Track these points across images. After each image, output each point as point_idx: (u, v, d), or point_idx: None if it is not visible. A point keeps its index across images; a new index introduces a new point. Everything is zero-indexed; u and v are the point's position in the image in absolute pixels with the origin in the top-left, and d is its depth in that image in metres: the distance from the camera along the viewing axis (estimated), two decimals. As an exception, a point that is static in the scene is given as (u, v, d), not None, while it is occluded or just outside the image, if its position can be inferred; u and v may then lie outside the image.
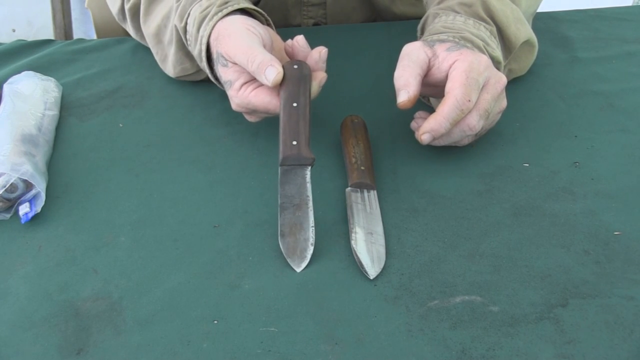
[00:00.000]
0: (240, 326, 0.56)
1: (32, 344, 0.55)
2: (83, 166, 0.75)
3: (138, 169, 0.75)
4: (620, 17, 1.01)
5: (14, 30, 2.49)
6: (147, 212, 0.68)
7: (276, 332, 0.55)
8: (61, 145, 0.79)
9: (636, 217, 0.65)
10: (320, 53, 0.72)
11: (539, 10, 1.03)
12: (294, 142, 0.65)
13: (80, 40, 1.03)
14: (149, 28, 0.86)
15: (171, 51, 0.84)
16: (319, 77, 0.72)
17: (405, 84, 0.68)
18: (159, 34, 0.85)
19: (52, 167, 0.75)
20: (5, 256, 0.64)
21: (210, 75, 0.77)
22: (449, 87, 0.67)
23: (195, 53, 0.77)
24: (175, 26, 0.79)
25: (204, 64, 0.76)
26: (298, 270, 0.60)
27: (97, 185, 0.72)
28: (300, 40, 0.73)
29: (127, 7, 0.88)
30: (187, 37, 0.78)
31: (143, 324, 0.56)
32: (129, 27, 0.92)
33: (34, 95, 0.81)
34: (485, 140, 0.75)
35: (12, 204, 0.68)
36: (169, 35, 0.83)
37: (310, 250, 0.61)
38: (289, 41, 0.74)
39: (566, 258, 0.61)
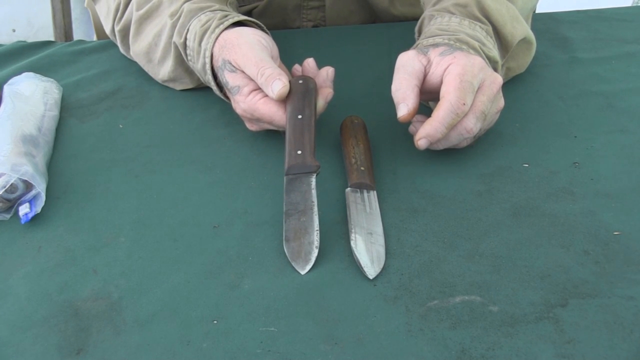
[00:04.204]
0: (240, 326, 0.56)
1: (32, 344, 0.55)
2: (83, 167, 0.75)
3: (138, 170, 0.75)
4: (619, 18, 1.01)
5: (14, 30, 2.50)
6: (147, 212, 0.68)
7: (276, 332, 0.55)
8: (61, 146, 0.79)
9: (636, 217, 0.65)
10: (327, 72, 0.74)
11: (539, 10, 1.04)
12: (299, 152, 0.66)
13: (81, 41, 1.03)
14: (139, 47, 0.86)
15: (167, 68, 0.84)
16: (325, 93, 0.73)
17: (404, 97, 0.68)
18: (149, 53, 0.86)
19: (52, 168, 0.75)
20: (5, 256, 0.64)
21: (214, 87, 0.78)
22: (443, 91, 0.67)
23: (198, 67, 0.78)
24: (174, 42, 0.80)
25: (208, 77, 0.76)
26: (303, 272, 0.60)
27: (97, 186, 0.72)
28: (310, 63, 0.76)
29: (117, 29, 0.89)
30: (188, 52, 0.78)
31: (143, 324, 0.56)
32: (120, 48, 0.93)
33: (34, 96, 0.81)
34: (485, 140, 0.75)
35: (12, 204, 0.68)
36: (160, 53, 0.84)
37: (314, 253, 0.61)
38: (297, 66, 0.77)
39: (566, 258, 0.61)
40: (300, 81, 0.72)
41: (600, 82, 0.86)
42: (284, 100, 0.70)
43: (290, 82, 0.70)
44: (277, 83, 0.68)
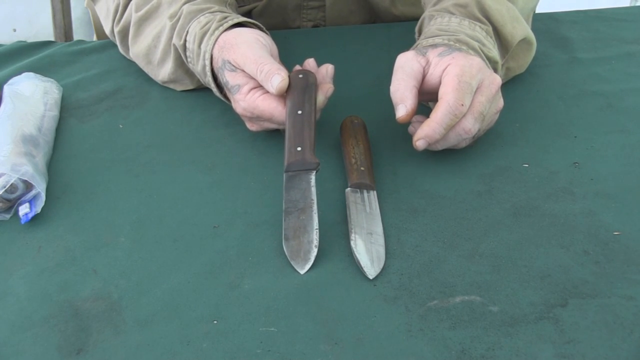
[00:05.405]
0: (240, 326, 0.56)
1: (32, 344, 0.55)
2: (83, 167, 0.75)
3: (138, 170, 0.75)
4: (619, 18, 1.01)
5: (14, 30, 2.50)
6: (147, 212, 0.68)
7: (276, 332, 0.55)
8: (61, 146, 0.79)
9: (636, 217, 0.65)
10: (327, 69, 0.75)
11: (539, 11, 1.04)
12: (299, 148, 0.66)
13: (81, 41, 1.03)
14: (138, 48, 0.86)
15: (166, 70, 0.84)
16: (325, 89, 0.73)
17: (402, 98, 0.68)
18: (148, 55, 0.86)
19: (52, 168, 0.75)
20: (5, 257, 0.64)
21: (214, 89, 0.78)
22: (441, 92, 0.67)
23: (198, 69, 0.78)
24: (174, 44, 0.80)
25: (208, 78, 0.76)
26: (302, 272, 0.60)
27: (97, 186, 0.72)
28: (310, 63, 0.76)
29: (116, 30, 0.89)
30: (188, 54, 0.79)
31: (143, 324, 0.56)
32: (120, 49, 0.93)
33: (34, 96, 0.81)
34: (485, 140, 0.75)
35: (12, 204, 0.68)
36: (159, 54, 0.84)
37: (314, 253, 0.61)
38: (298, 67, 0.77)
39: (565, 258, 0.61)
40: (300, 75, 0.72)
41: (600, 82, 0.86)
42: (283, 96, 0.70)
43: (289, 76, 0.70)
44: (276, 77, 0.68)
